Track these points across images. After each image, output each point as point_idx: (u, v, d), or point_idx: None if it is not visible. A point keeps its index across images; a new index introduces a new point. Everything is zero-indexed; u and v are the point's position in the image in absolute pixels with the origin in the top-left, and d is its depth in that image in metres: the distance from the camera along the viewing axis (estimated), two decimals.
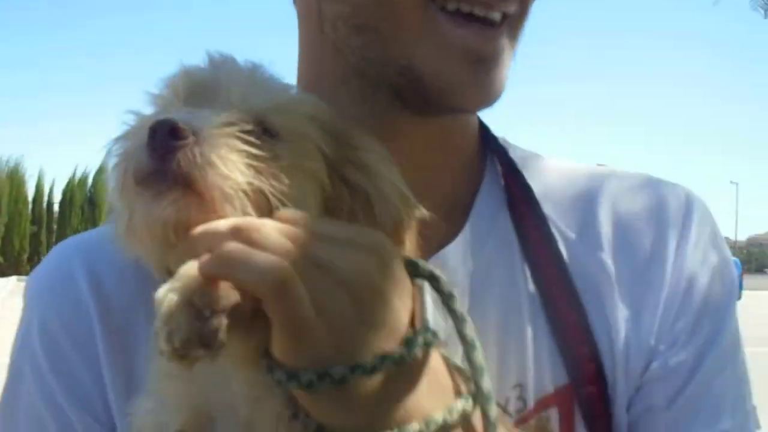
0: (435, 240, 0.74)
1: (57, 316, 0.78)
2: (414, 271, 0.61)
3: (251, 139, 0.59)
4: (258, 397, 0.58)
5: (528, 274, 0.77)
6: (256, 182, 0.58)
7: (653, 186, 0.82)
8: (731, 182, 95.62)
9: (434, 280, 0.61)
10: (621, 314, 0.75)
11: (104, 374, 0.76)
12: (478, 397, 0.59)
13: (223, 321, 0.49)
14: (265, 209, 0.58)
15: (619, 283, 0.76)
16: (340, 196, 0.64)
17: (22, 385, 0.79)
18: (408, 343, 0.55)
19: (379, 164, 0.66)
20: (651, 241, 0.78)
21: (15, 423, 0.79)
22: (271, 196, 0.58)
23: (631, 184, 0.82)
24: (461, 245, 0.77)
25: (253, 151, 0.58)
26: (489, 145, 0.86)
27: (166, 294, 0.51)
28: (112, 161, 0.61)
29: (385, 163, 0.66)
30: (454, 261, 0.76)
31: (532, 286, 0.76)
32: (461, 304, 0.62)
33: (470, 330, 0.60)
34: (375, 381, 0.53)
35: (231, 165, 0.57)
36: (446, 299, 0.61)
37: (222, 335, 0.49)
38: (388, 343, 0.54)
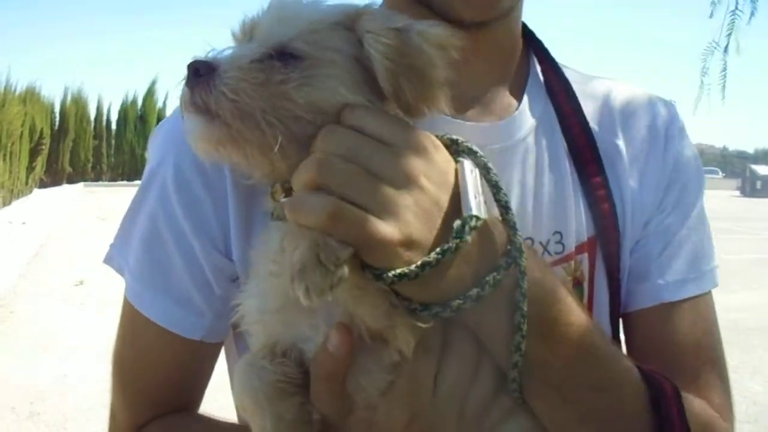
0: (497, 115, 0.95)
1: (192, 159, 0.87)
2: (455, 147, 0.73)
3: (263, 66, 0.70)
4: (359, 290, 0.69)
5: (566, 146, 0.97)
6: (262, 102, 0.68)
7: (646, 93, 1.05)
8: None
9: (472, 154, 0.73)
10: (630, 184, 0.97)
11: (230, 218, 0.88)
12: (512, 250, 0.70)
13: (345, 271, 0.63)
14: (280, 126, 0.69)
15: (628, 161, 0.98)
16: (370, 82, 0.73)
17: (144, 206, 0.92)
18: (458, 232, 0.66)
19: (384, 38, 0.71)
20: (648, 132, 1.01)
21: (133, 238, 0.93)
22: (278, 111, 0.69)
23: (630, 89, 1.05)
24: (519, 117, 0.96)
25: (261, 76, 0.69)
26: (532, 46, 1.04)
27: (296, 250, 0.64)
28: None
29: (393, 36, 0.71)
30: (513, 129, 0.95)
31: (569, 155, 0.97)
32: (495, 174, 0.73)
33: (503, 195, 0.73)
34: (441, 268, 0.66)
35: (239, 91, 0.68)
36: (484, 171, 0.73)
37: (344, 280, 0.63)
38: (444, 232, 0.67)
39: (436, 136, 0.73)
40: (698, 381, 0.90)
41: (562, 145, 0.97)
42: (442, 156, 0.71)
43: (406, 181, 0.67)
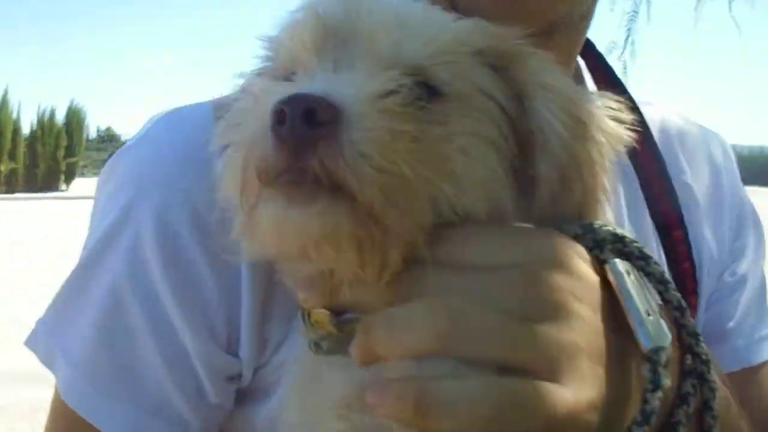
0: None
1: (185, 206, 0.60)
2: (591, 237, 0.49)
3: (416, 111, 0.45)
4: None
5: (641, 192, 0.80)
6: (430, 176, 0.44)
7: (693, 121, 0.91)
8: None
9: (618, 243, 0.50)
10: (705, 234, 0.83)
11: (243, 296, 0.62)
12: (698, 364, 0.51)
13: None
14: (442, 211, 0.46)
15: (702, 204, 0.84)
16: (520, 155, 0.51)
17: (101, 271, 0.63)
18: (654, 381, 0.45)
19: (554, 109, 0.50)
20: (709, 169, 0.87)
21: (80, 317, 0.63)
22: (447, 195, 0.46)
23: (678, 115, 0.90)
24: None
25: (422, 129, 0.45)
26: (590, 65, 0.86)
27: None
28: (225, 145, 0.49)
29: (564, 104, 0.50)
30: None
31: (648, 215, 0.80)
32: (656, 263, 0.51)
33: (674, 293, 0.51)
34: None
35: (395, 155, 0.43)
36: (641, 263, 0.50)
37: None
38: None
39: (559, 229, 0.50)
40: None
41: (638, 192, 0.79)
42: (582, 261, 0.48)
43: (559, 312, 0.45)
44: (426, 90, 0.47)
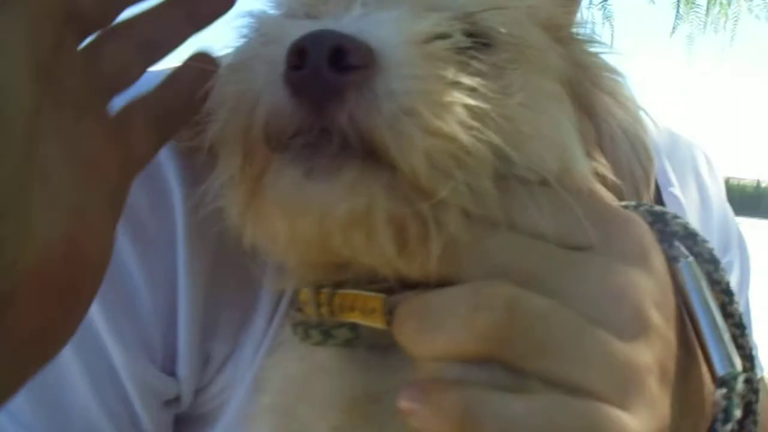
0: None
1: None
2: (659, 228, 0.41)
3: (470, 60, 0.36)
4: None
5: None
6: (492, 138, 0.34)
7: (683, 138, 0.84)
8: None
9: (690, 239, 0.41)
10: None
11: (179, 305, 0.48)
12: (753, 400, 0.41)
13: None
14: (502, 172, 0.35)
15: (689, 217, 0.76)
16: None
17: None
18: (727, 413, 0.37)
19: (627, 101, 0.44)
20: (694, 181, 0.80)
21: None
22: (512, 161, 0.36)
23: (670, 134, 0.83)
24: None
25: (479, 83, 0.34)
26: None
27: None
28: (223, 96, 0.37)
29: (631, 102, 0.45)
30: None
31: None
32: (723, 268, 0.42)
33: (736, 306, 0.42)
34: None
35: (447, 112, 0.33)
36: (710, 266, 0.41)
37: None
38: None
39: (623, 206, 0.41)
40: None
41: None
42: (660, 256, 0.39)
43: (638, 324, 0.35)
44: (475, 40, 0.37)
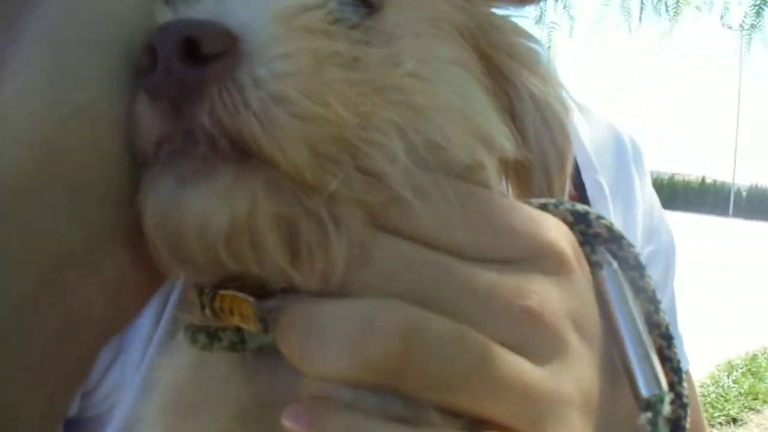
0: None
1: None
2: (578, 229, 0.36)
3: (347, 29, 0.31)
4: None
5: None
6: (383, 115, 0.30)
7: (609, 125, 0.83)
8: None
9: (616, 243, 0.37)
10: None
11: None
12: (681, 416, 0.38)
13: None
14: (405, 167, 0.30)
15: (613, 206, 0.75)
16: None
17: None
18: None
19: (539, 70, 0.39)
20: (617, 169, 0.79)
21: None
22: (409, 140, 0.31)
23: (596, 121, 0.82)
24: None
25: (362, 52, 0.31)
26: None
27: None
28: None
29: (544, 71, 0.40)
30: None
31: None
32: (649, 276, 0.37)
33: (663, 316, 0.38)
34: None
35: (326, 91, 0.29)
36: (634, 273, 0.37)
37: None
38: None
39: (540, 205, 0.36)
40: None
41: None
42: (583, 266, 0.35)
43: (555, 348, 0.32)
44: (357, 6, 0.33)
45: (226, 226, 0.28)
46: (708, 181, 30.73)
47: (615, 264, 0.36)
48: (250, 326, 0.33)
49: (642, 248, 0.77)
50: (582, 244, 0.36)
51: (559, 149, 0.39)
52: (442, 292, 0.30)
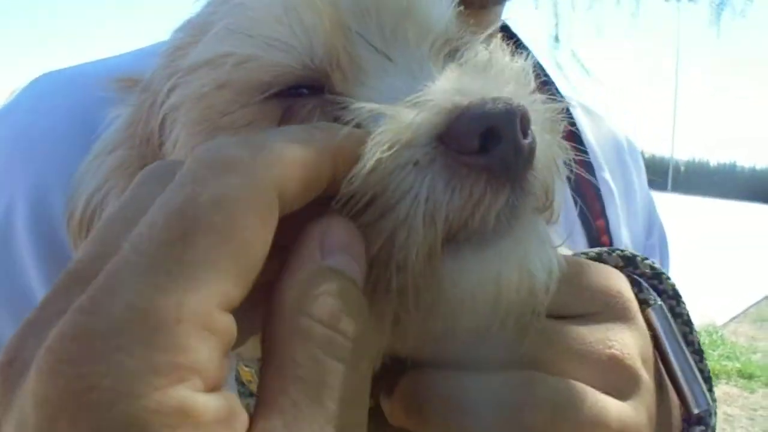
0: None
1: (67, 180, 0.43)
2: (628, 271, 0.42)
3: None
4: None
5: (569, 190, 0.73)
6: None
7: (608, 123, 0.88)
8: None
9: (656, 279, 0.43)
10: (623, 230, 0.79)
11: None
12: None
13: None
14: None
15: (618, 201, 0.80)
16: None
17: None
18: None
19: None
20: (618, 167, 0.83)
21: None
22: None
23: (597, 119, 0.87)
24: None
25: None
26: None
27: None
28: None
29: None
30: None
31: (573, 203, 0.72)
32: (684, 303, 0.44)
33: (696, 334, 0.44)
34: None
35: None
36: (671, 304, 0.43)
37: None
38: None
39: (597, 255, 0.43)
40: None
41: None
42: (637, 307, 0.41)
43: (634, 386, 0.38)
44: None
45: (545, 281, 0.33)
46: (646, 155, 31.74)
47: (659, 301, 0.42)
48: None
49: (644, 241, 0.82)
50: (632, 283, 0.41)
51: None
52: (550, 354, 0.36)
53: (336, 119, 0.33)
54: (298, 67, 0.35)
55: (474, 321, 0.32)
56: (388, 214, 0.30)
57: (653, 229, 0.85)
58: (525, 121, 0.30)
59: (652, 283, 0.43)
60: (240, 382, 0.43)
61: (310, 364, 0.24)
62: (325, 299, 0.25)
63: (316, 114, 0.34)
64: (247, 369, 0.41)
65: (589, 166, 0.75)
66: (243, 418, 0.22)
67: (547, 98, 0.36)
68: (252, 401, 0.38)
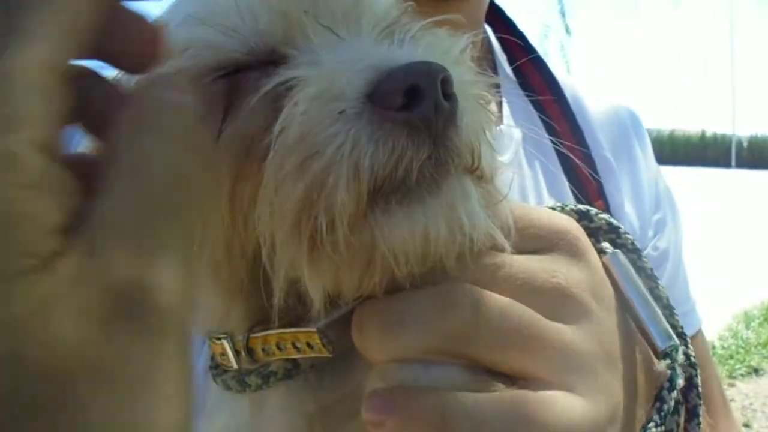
0: None
1: None
2: (584, 224, 0.44)
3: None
4: None
5: (559, 162, 0.75)
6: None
7: (609, 100, 0.88)
8: None
9: (613, 233, 0.45)
10: (627, 206, 0.79)
11: None
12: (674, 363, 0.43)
13: None
14: None
15: (620, 178, 0.80)
16: None
17: None
18: (672, 380, 0.41)
19: None
20: (621, 143, 0.83)
21: None
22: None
23: (597, 97, 0.87)
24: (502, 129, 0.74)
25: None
26: (499, 31, 0.83)
27: None
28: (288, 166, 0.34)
29: None
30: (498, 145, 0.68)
31: (568, 187, 0.74)
32: (646, 259, 0.45)
33: (663, 290, 0.45)
34: None
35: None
36: (633, 257, 0.45)
37: None
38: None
39: (549, 208, 0.45)
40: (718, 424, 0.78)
41: (557, 164, 0.75)
42: (592, 251, 0.43)
43: (581, 314, 0.40)
44: None
45: (470, 233, 0.36)
46: (708, 134, 30.82)
47: (616, 249, 0.44)
48: (314, 351, 0.39)
49: (651, 216, 0.82)
50: (588, 236, 0.43)
51: None
52: (491, 282, 0.38)
53: (277, 85, 0.36)
54: (244, 51, 0.38)
55: (405, 270, 0.35)
56: (317, 156, 0.32)
57: (661, 203, 0.84)
58: (447, 83, 0.33)
59: (610, 237, 0.45)
60: (212, 358, 0.45)
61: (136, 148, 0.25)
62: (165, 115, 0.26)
63: (260, 84, 0.37)
64: (218, 342, 0.42)
65: (586, 146, 0.77)
66: (68, 183, 0.23)
67: (479, 73, 0.39)
68: (225, 376, 0.43)
